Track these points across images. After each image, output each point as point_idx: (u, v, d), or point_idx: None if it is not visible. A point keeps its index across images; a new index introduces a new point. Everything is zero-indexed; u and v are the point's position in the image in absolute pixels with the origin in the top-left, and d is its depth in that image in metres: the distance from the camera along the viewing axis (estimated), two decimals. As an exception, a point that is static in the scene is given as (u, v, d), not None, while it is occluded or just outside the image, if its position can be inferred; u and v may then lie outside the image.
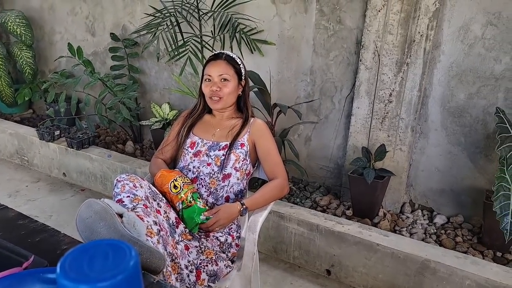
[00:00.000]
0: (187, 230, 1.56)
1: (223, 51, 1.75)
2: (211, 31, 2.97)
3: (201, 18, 2.92)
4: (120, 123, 3.46)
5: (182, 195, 1.57)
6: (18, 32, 3.92)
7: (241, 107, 1.81)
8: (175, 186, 1.58)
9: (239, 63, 1.74)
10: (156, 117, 3.32)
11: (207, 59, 1.76)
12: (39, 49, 4.30)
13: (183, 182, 1.60)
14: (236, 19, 2.83)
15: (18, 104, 4.25)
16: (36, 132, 3.41)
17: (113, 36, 3.56)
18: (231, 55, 1.73)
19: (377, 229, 2.23)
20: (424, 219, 2.63)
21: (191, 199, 1.58)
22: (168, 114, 3.31)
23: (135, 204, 1.37)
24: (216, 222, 1.56)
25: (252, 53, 2.95)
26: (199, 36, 2.94)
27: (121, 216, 1.19)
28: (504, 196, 2.05)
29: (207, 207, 1.62)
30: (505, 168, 2.09)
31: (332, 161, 2.94)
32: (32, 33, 4.01)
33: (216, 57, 1.73)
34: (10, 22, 3.88)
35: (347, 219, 2.53)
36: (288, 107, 2.59)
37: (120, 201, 1.39)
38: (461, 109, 2.44)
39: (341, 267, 2.25)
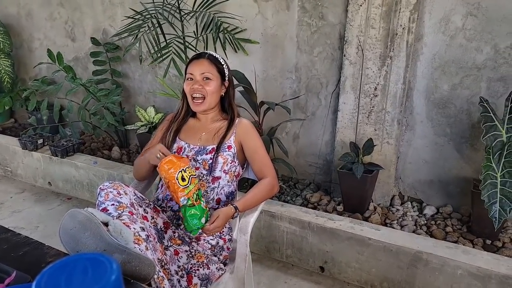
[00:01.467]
0: (176, 235, 1.54)
1: (206, 51, 1.72)
2: (194, 31, 2.94)
3: (183, 18, 2.89)
4: (105, 129, 3.41)
5: (188, 191, 1.47)
6: (-4, 41, 3.84)
7: (226, 108, 1.79)
8: (183, 178, 1.46)
9: (222, 63, 1.72)
10: (142, 121, 3.28)
11: (190, 58, 1.74)
12: (18, 56, 4.21)
13: (190, 175, 1.50)
14: (218, 18, 2.80)
15: (-1, 114, 4.17)
16: (18, 142, 3.33)
17: (94, 41, 3.50)
18: (214, 55, 1.71)
19: (369, 224, 2.24)
20: (414, 211, 2.64)
21: (197, 197, 1.50)
22: (153, 118, 3.27)
23: (120, 212, 1.34)
24: (217, 228, 1.53)
25: (236, 52, 2.93)
26: (182, 37, 2.91)
27: (106, 224, 1.16)
28: (492, 184, 2.07)
29: (207, 208, 1.57)
30: (491, 156, 2.11)
31: (321, 158, 2.94)
32: (10, 41, 3.93)
33: (199, 56, 1.71)
34: (-13, 30, 3.80)
35: (338, 214, 2.54)
36: (276, 104, 2.58)
37: (104, 210, 1.35)
38: (446, 100, 2.46)
39: (334, 263, 2.25)
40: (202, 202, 1.51)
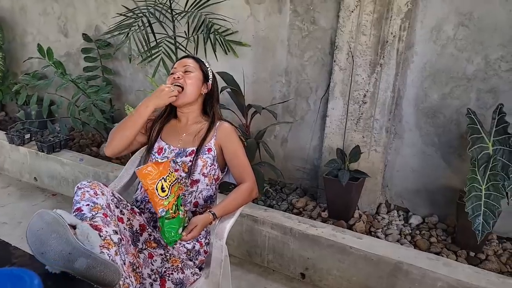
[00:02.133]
0: (152, 238, 1.51)
1: (192, 55, 1.78)
2: (185, 31, 2.92)
3: (174, 18, 2.87)
4: (94, 126, 3.38)
5: (168, 202, 1.42)
6: (-12, 33, 3.81)
7: (208, 111, 1.77)
8: (163, 189, 1.41)
9: (207, 66, 1.77)
10: (131, 120, 3.24)
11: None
12: (10, 50, 4.18)
13: (171, 184, 1.45)
14: (210, 19, 2.78)
15: (-11, 107, 4.14)
16: (5, 136, 3.30)
17: (86, 37, 3.48)
18: (199, 58, 1.78)
19: (351, 232, 2.22)
20: (399, 220, 2.62)
21: (176, 208, 1.46)
22: (142, 116, 3.24)
23: (94, 213, 1.31)
24: (194, 237, 1.51)
25: (227, 54, 2.91)
26: (173, 37, 2.89)
27: (74, 227, 1.13)
28: (476, 197, 2.05)
29: (186, 216, 1.55)
30: (476, 169, 2.09)
31: (309, 162, 2.92)
32: (2, 34, 3.90)
33: (184, 56, 1.78)
34: (-21, 23, 3.77)
35: (323, 221, 2.52)
36: (263, 108, 2.56)
37: (79, 210, 1.33)
38: (435, 109, 2.44)
39: (316, 270, 2.23)
40: (180, 212, 1.48)
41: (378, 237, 2.41)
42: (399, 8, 2.27)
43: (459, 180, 2.45)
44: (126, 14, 2.86)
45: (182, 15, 2.84)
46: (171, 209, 1.42)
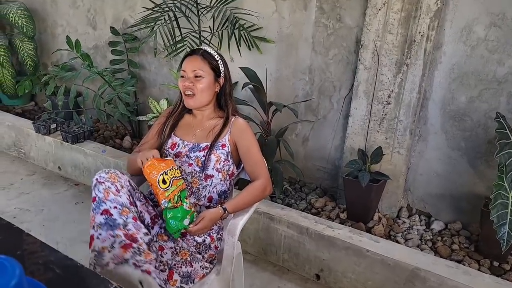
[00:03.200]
0: (163, 231, 1.52)
1: (201, 47, 1.70)
2: (209, 26, 2.91)
3: (200, 13, 2.87)
4: (118, 118, 3.43)
5: (169, 193, 1.48)
6: (20, 24, 3.91)
7: (222, 105, 1.75)
8: (164, 181, 1.47)
9: (217, 59, 1.69)
10: (154, 113, 3.28)
11: (184, 54, 1.71)
12: (41, 41, 4.29)
13: (173, 177, 1.50)
14: (235, 14, 2.76)
15: (19, 96, 4.25)
16: (32, 125, 3.39)
17: (113, 30, 3.52)
18: (209, 51, 1.69)
19: (368, 235, 2.17)
20: (421, 225, 2.55)
21: (178, 199, 1.50)
22: (165, 110, 3.26)
23: (125, 219, 1.36)
24: (201, 230, 1.51)
25: (250, 50, 2.89)
26: (198, 31, 2.89)
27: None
28: (502, 204, 1.97)
29: (193, 209, 1.56)
30: (503, 175, 2.01)
31: (330, 162, 2.88)
32: (34, 25, 3.99)
33: (192, 52, 1.69)
34: (12, 14, 3.87)
35: (341, 222, 2.47)
36: (284, 106, 2.53)
37: (107, 213, 1.36)
38: (462, 112, 2.36)
39: (331, 272, 2.19)
40: (185, 204, 1.50)
41: (397, 241, 2.35)
42: (428, 6, 2.20)
43: (485, 187, 2.37)
44: (153, 8, 2.87)
45: (207, 9, 2.84)
46: (173, 199, 1.46)
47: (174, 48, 2.88)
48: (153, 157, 1.52)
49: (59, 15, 4.07)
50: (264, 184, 1.64)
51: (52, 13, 4.12)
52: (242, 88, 2.61)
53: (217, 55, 1.69)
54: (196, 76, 1.64)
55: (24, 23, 3.91)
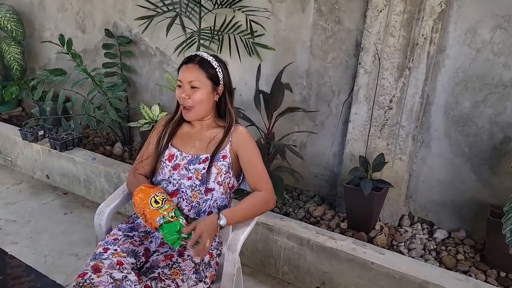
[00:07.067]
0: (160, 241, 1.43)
1: (198, 53, 1.57)
2: (210, 28, 2.81)
3: (201, 17, 2.78)
4: (109, 124, 3.31)
5: (163, 211, 1.44)
6: (9, 28, 3.78)
7: (222, 114, 1.65)
8: (156, 201, 1.46)
9: (215, 66, 1.56)
10: (145, 119, 3.17)
11: (182, 61, 1.59)
12: (29, 45, 4.15)
13: (164, 198, 1.48)
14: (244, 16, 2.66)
15: (5, 102, 4.10)
16: (19, 132, 3.26)
17: (108, 33, 3.41)
18: (206, 58, 1.55)
19: (372, 246, 2.08)
20: (423, 234, 2.47)
21: (174, 214, 1.44)
22: (157, 116, 3.16)
23: None
24: (201, 235, 1.38)
25: (251, 56, 2.78)
26: (197, 33, 2.79)
27: None
28: (515, 218, 1.89)
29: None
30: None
31: (328, 169, 2.79)
32: (23, 29, 3.86)
33: (189, 60, 1.56)
34: (1, 17, 3.74)
35: (342, 232, 2.38)
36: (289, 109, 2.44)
37: None
38: (466, 117, 2.28)
39: (333, 285, 2.09)
40: (181, 219, 1.45)
41: (400, 251, 2.27)
42: (431, 8, 2.12)
43: (490, 194, 2.30)
44: (155, 9, 2.79)
45: (207, 13, 2.75)
46: (168, 215, 1.43)
47: (185, 44, 2.76)
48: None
49: (47, 19, 3.95)
50: (267, 197, 1.54)
51: (40, 16, 4.00)
52: (260, 93, 2.53)
53: (215, 61, 1.56)
54: (192, 87, 1.53)
55: (14, 27, 3.79)
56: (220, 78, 1.57)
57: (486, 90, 2.20)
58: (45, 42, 3.98)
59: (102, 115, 3.23)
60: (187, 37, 2.76)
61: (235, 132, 1.60)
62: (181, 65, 1.57)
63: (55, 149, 3.07)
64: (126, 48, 3.45)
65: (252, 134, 1.63)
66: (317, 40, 2.61)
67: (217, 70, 1.56)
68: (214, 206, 1.58)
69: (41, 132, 3.22)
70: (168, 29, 2.67)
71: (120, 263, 1.36)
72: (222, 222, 1.44)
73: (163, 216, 1.42)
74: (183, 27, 2.78)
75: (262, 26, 2.68)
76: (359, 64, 2.40)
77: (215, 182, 1.55)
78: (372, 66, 2.35)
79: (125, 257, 1.40)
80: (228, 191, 1.61)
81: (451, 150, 2.37)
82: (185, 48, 2.75)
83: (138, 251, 1.47)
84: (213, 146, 1.57)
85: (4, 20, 3.75)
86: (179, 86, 1.56)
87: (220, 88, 1.58)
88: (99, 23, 3.59)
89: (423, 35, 2.18)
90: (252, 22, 2.65)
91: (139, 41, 3.38)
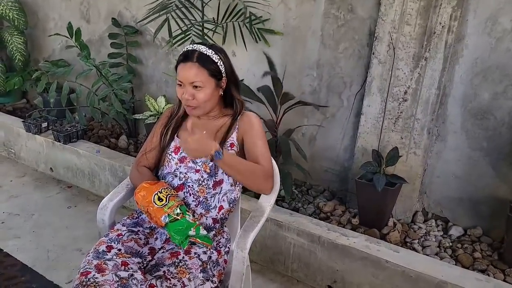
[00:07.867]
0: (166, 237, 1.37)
1: (195, 48, 1.44)
2: (213, 18, 2.71)
3: (203, 4, 2.68)
4: (113, 116, 3.24)
5: (168, 208, 1.38)
6: (11, 17, 3.71)
7: (230, 102, 1.56)
8: (159, 199, 1.39)
9: (216, 60, 1.44)
10: (151, 111, 3.09)
11: (178, 56, 1.48)
12: (32, 36, 4.08)
13: (168, 194, 1.41)
14: (241, 9, 2.56)
15: (10, 93, 4.04)
16: (22, 124, 3.19)
17: (114, 22, 3.32)
18: (205, 53, 1.43)
19: (387, 244, 2.00)
20: (438, 230, 2.39)
21: (180, 211, 1.38)
22: (163, 108, 3.08)
23: None
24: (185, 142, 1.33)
25: (257, 42, 2.69)
26: (201, 23, 2.70)
27: None
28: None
29: (197, 222, 1.42)
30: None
31: (338, 164, 2.70)
32: (25, 18, 3.79)
33: (187, 58, 1.43)
34: (2, 6, 3.67)
35: (353, 228, 2.30)
36: (299, 102, 2.35)
37: None
38: (485, 110, 2.19)
39: (345, 284, 2.02)
40: (187, 216, 1.39)
41: (414, 248, 2.19)
42: (450, -6, 2.03)
43: (509, 190, 2.20)
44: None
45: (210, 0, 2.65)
46: (173, 213, 1.37)
47: (181, 37, 2.67)
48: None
49: (51, 8, 3.88)
50: (267, 172, 1.47)
51: (44, 6, 3.93)
52: (263, 76, 2.45)
53: (215, 55, 1.44)
54: (195, 87, 1.43)
55: (16, 16, 3.71)
56: (223, 72, 1.46)
57: (506, 81, 2.10)
58: (49, 32, 3.93)
59: (107, 107, 3.17)
60: (188, 27, 2.67)
61: (242, 118, 1.52)
62: (178, 62, 1.45)
63: (59, 141, 3.01)
64: (132, 38, 3.37)
65: (260, 120, 1.55)
66: (328, 29, 2.51)
67: (218, 64, 1.44)
68: (224, 200, 1.50)
69: (44, 124, 3.16)
70: (166, 28, 2.59)
71: (125, 264, 1.29)
72: (217, 155, 1.33)
73: (168, 215, 1.36)
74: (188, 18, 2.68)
75: (268, 12, 2.59)
76: (373, 54, 2.30)
77: (224, 172, 1.47)
78: (387, 56, 2.26)
79: (129, 257, 1.33)
80: (237, 182, 1.53)
81: (468, 144, 2.27)
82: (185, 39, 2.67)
83: (143, 252, 1.41)
84: (220, 135, 1.50)
85: (5, 8, 3.68)
86: (180, 85, 1.46)
87: (224, 80, 1.48)
88: (104, 12, 3.51)
89: (440, 23, 2.08)
90: (256, 8, 2.56)
91: (145, 31, 3.30)
